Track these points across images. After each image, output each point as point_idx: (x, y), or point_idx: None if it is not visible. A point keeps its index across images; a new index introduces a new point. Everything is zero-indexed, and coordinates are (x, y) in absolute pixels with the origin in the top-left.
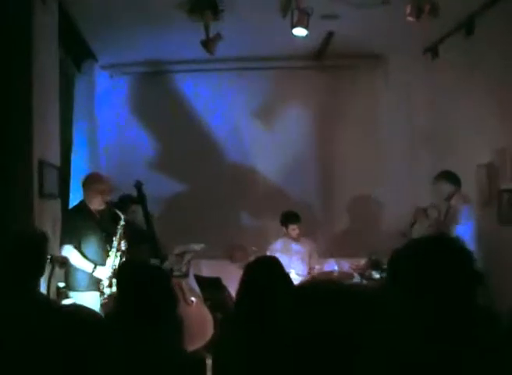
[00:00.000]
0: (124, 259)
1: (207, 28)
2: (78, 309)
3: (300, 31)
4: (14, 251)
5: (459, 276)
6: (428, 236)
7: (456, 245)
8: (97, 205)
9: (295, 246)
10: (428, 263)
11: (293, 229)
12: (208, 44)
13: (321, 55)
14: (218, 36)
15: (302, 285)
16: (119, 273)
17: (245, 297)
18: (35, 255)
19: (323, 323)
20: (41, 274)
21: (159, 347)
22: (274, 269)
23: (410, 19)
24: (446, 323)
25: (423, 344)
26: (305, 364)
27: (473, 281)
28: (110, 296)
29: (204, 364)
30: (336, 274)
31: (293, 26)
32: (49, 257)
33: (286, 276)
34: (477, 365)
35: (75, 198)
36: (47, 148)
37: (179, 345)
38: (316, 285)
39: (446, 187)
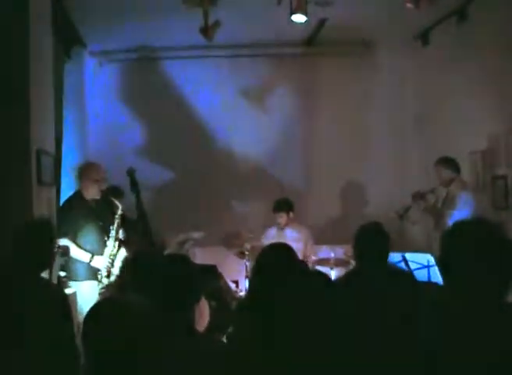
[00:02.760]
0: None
1: (206, 14)
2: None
3: (299, 17)
4: (30, 239)
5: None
6: (471, 222)
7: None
8: (93, 194)
9: (289, 233)
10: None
11: (280, 216)
12: (206, 30)
13: (312, 42)
14: (217, 22)
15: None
16: (143, 263)
17: (259, 282)
18: (49, 242)
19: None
20: (54, 261)
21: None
22: (288, 254)
23: (409, 5)
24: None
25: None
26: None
27: None
28: (108, 286)
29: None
30: (332, 262)
31: (293, 13)
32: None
33: (300, 262)
34: None
35: (65, 186)
36: (43, 136)
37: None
38: None
39: (445, 173)
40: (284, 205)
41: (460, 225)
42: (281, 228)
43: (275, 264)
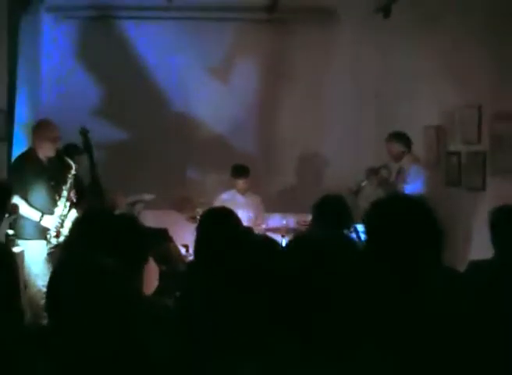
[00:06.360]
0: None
1: None
2: None
3: None
4: None
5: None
6: (398, 195)
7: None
8: (47, 152)
9: (242, 199)
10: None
11: (243, 182)
12: None
13: (273, 8)
14: None
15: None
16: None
17: (203, 246)
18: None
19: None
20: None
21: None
22: (229, 219)
23: None
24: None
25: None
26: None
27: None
28: (57, 246)
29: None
30: (283, 230)
31: None
32: None
33: (241, 226)
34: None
35: (17, 142)
36: None
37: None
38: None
39: (397, 148)
40: (246, 170)
41: (382, 200)
42: (242, 193)
43: (215, 228)
